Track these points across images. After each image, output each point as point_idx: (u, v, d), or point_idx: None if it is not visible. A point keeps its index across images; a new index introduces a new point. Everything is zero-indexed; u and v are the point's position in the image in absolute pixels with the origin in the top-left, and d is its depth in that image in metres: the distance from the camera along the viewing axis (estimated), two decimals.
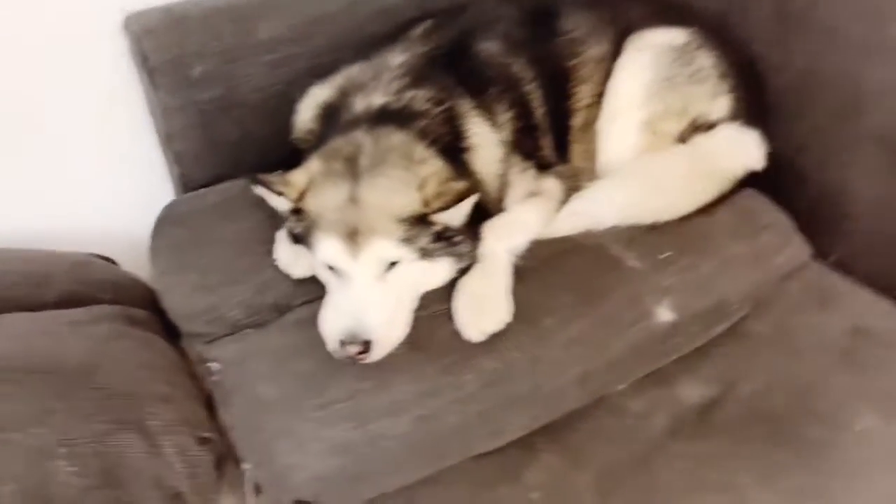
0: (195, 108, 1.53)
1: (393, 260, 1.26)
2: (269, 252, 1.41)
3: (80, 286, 1.46)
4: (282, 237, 1.40)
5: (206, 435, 1.27)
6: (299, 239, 1.33)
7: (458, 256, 1.34)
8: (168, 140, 1.57)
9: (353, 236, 1.25)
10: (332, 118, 1.42)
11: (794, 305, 1.58)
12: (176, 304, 1.40)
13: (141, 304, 1.50)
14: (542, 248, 1.46)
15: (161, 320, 1.48)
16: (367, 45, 1.56)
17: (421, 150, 1.32)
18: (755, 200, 1.66)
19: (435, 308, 1.34)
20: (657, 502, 1.26)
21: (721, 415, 1.39)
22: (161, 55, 1.48)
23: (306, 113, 1.48)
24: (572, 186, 1.59)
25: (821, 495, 1.27)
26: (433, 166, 1.32)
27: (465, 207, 1.30)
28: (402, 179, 1.28)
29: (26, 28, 1.48)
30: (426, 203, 1.27)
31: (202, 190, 1.56)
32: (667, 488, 1.28)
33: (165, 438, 1.20)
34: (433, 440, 1.25)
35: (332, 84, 1.48)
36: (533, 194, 1.53)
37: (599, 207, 1.52)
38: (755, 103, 1.71)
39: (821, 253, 1.74)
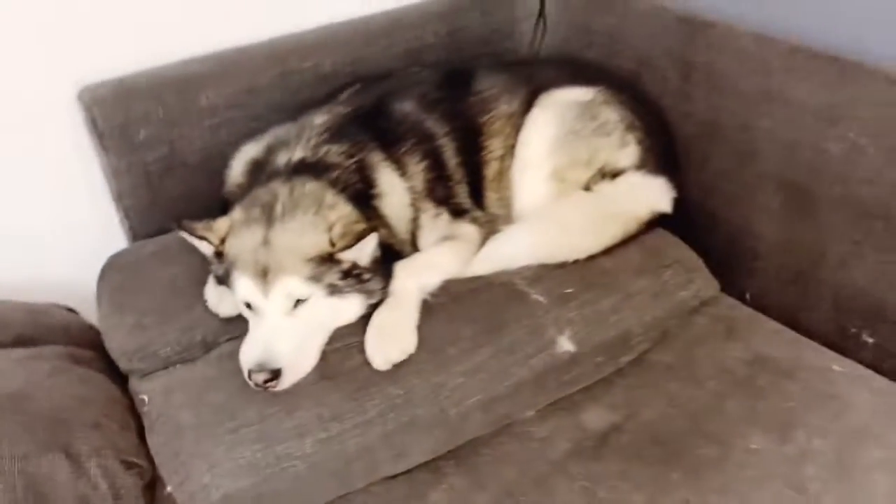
0: (141, 167, 1.71)
1: (301, 296, 1.39)
2: (200, 294, 1.55)
3: (34, 330, 1.60)
4: (211, 280, 1.54)
5: (134, 460, 1.37)
6: (222, 280, 1.47)
7: (369, 293, 1.47)
8: (118, 197, 1.74)
9: (264, 275, 1.38)
10: (259, 172, 1.58)
11: (699, 337, 1.68)
12: (115, 343, 1.54)
13: (90, 346, 1.63)
14: (454, 285, 1.59)
15: (109, 361, 1.60)
16: (300, 109, 1.73)
17: (331, 197, 1.47)
18: (663, 240, 1.78)
19: (348, 340, 1.46)
20: None
21: (620, 439, 1.48)
22: (109, 122, 1.66)
23: (237, 168, 1.65)
24: (490, 231, 1.73)
25: None
26: (342, 210, 1.46)
27: (369, 246, 1.43)
28: (311, 222, 1.43)
29: None
30: (332, 243, 1.41)
31: (144, 241, 1.72)
32: None
33: (91, 461, 1.31)
34: (337, 461, 1.35)
35: (260, 142, 1.65)
36: (448, 238, 1.66)
37: (511, 250, 1.66)
38: (664, 152, 1.86)
39: (740, 289, 1.86)
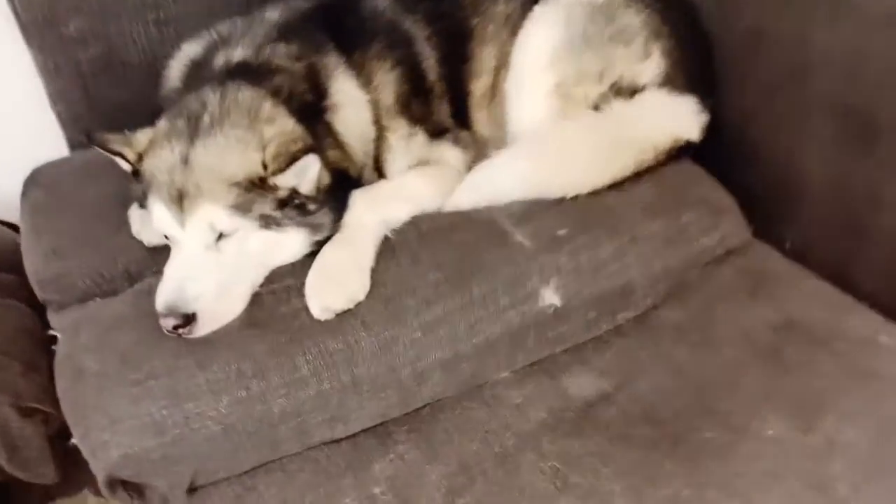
0: (73, 67, 1.47)
1: (225, 228, 1.16)
2: (126, 218, 1.33)
3: None
4: (135, 202, 1.32)
5: (36, 406, 1.20)
6: (144, 204, 1.24)
7: (314, 227, 1.23)
8: (52, 101, 1.52)
9: (179, 201, 1.16)
10: (197, 76, 1.33)
11: (719, 293, 1.41)
12: (31, 268, 1.34)
13: (19, 270, 1.44)
14: (425, 221, 1.34)
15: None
16: (261, 4, 1.45)
17: (269, 108, 1.21)
18: (687, 175, 1.50)
19: (288, 281, 1.23)
20: None
21: (608, 412, 1.24)
22: (32, 11, 1.42)
23: (174, 71, 1.39)
24: (478, 156, 1.46)
25: None
26: (281, 125, 1.21)
27: (310, 170, 1.19)
28: (241, 139, 1.18)
29: None
30: (265, 165, 1.17)
31: (74, 153, 1.50)
32: (523, 489, 1.14)
33: None
34: (259, 425, 1.14)
35: (202, 40, 1.39)
36: (425, 163, 1.40)
37: (500, 180, 1.39)
38: (697, 67, 1.54)
39: (779, 236, 1.56)
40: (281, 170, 1.15)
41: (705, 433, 1.19)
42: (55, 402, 1.22)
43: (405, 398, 1.23)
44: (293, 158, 1.14)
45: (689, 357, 1.31)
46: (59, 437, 1.25)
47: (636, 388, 1.27)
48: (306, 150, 1.15)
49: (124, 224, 1.34)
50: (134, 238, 1.32)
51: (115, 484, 1.14)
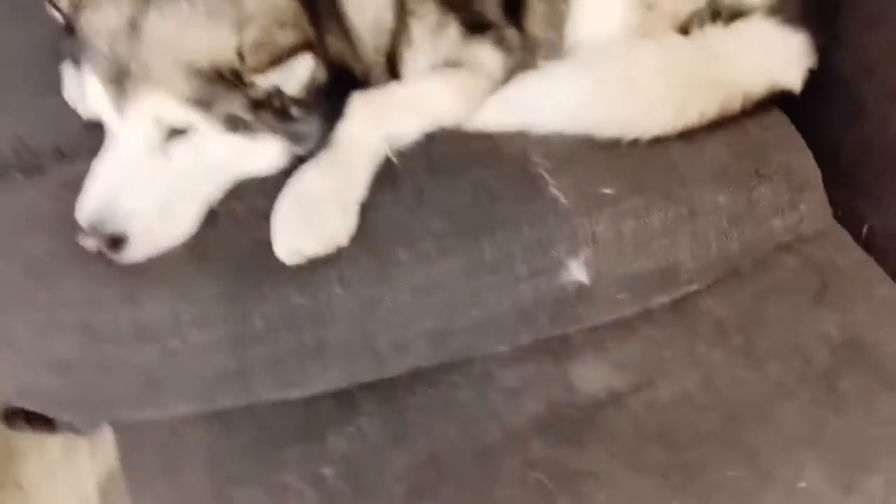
0: None
1: (178, 124, 0.88)
2: (59, 74, 1.04)
3: None
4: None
5: None
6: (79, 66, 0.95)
7: (294, 137, 0.95)
8: None
9: (120, 81, 0.86)
10: None
11: (776, 288, 1.16)
12: None
13: None
14: (437, 144, 1.05)
15: None
16: None
17: None
18: (773, 131, 1.20)
19: (254, 201, 0.97)
20: None
21: (617, 420, 1.03)
22: None
23: None
24: (524, 63, 1.15)
25: None
26: None
27: (299, 70, 0.89)
28: (213, 10, 0.87)
29: None
30: (241, 55, 0.86)
31: None
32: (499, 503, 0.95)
33: None
34: (193, 381, 0.93)
35: None
36: (452, 64, 1.09)
37: (545, 100, 1.09)
38: None
39: (859, 217, 1.29)
40: (261, 69, 0.85)
41: (727, 470, 0.99)
42: None
43: (377, 367, 1.01)
44: (278, 58, 0.84)
45: (725, 365, 1.08)
46: None
47: (655, 394, 1.05)
48: (300, 46, 0.84)
49: (55, 82, 1.04)
50: (66, 104, 1.03)
51: (14, 416, 0.94)
